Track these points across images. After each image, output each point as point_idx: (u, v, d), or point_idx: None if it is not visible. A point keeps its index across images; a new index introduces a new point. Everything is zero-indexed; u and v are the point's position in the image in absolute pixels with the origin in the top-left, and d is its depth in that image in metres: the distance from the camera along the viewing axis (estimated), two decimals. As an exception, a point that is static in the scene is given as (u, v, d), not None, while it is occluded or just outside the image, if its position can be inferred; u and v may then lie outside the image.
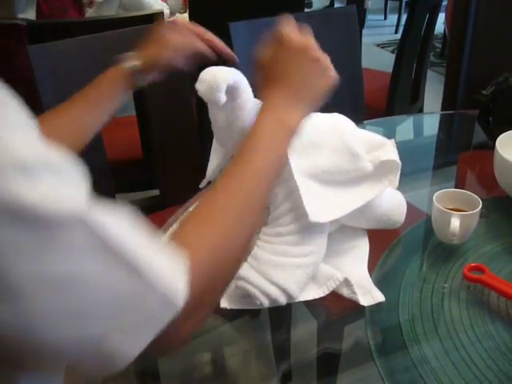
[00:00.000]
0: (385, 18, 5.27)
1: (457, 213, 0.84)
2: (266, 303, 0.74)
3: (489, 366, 0.69)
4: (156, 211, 1.52)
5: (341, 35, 1.45)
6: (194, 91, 0.70)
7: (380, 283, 0.82)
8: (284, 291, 0.74)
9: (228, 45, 1.40)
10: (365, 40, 3.76)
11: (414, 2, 2.01)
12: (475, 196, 0.87)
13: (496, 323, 0.75)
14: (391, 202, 0.87)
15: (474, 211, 0.84)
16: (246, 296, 0.75)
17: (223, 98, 0.66)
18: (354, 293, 0.77)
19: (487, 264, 0.82)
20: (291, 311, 0.86)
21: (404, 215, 0.90)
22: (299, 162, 0.75)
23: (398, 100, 2.09)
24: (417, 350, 0.72)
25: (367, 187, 0.78)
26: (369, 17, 5.03)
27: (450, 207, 0.87)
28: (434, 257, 0.89)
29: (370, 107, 1.95)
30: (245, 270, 0.76)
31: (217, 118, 0.70)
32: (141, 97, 1.47)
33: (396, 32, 4.79)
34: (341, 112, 1.51)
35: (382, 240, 0.93)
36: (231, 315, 0.83)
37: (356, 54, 1.51)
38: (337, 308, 0.83)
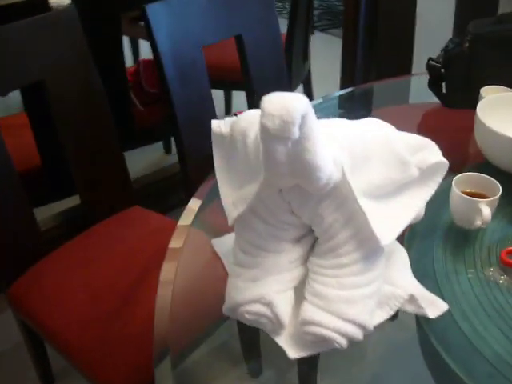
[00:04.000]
0: None
1: (484, 200, 0.82)
2: (344, 344, 0.67)
3: None
4: (85, 223, 1.34)
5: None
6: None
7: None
8: (361, 326, 0.67)
9: (147, 29, 1.21)
10: None
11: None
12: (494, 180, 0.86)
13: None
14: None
15: (496, 197, 0.83)
16: (320, 340, 0.67)
17: (297, 132, 0.54)
18: (421, 307, 0.73)
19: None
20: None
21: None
22: (356, 183, 0.66)
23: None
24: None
25: (416, 194, 0.72)
26: None
27: (467, 191, 0.86)
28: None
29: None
30: (314, 313, 0.67)
31: (276, 154, 0.57)
32: (32, 91, 1.24)
33: None
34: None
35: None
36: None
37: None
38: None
